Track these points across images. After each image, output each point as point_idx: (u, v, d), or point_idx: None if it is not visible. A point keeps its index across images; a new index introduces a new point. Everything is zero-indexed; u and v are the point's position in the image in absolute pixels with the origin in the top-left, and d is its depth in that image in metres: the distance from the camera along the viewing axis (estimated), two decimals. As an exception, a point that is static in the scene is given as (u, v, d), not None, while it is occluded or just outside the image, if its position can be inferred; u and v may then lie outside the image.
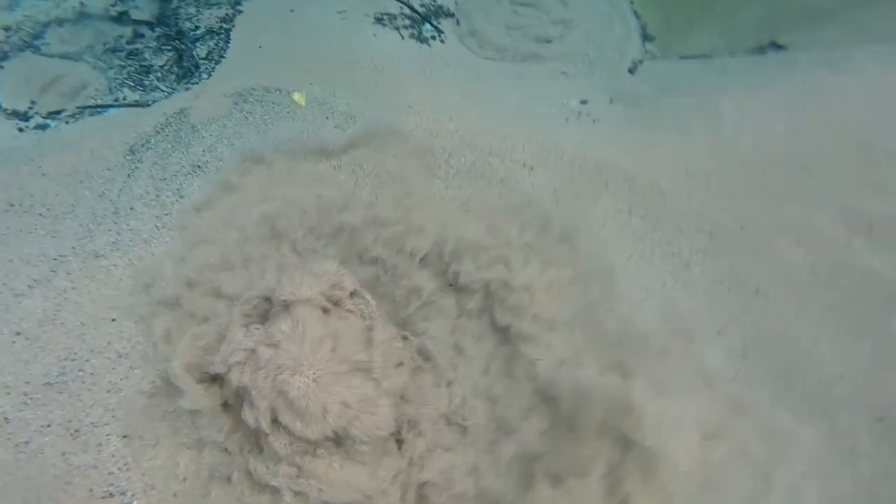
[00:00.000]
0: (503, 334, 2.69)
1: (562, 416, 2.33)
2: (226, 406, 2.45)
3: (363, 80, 3.78)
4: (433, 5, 4.37)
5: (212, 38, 4.07)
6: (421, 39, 4.15)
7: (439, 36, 4.20)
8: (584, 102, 3.86)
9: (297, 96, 3.45)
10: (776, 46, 3.98)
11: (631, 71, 4.10)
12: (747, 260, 3.17)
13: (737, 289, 3.09)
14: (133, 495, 2.34)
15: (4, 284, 2.77)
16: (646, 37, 4.37)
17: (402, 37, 4.14)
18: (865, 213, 3.05)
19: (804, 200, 3.15)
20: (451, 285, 2.81)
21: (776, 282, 3.05)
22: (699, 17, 4.46)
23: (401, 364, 2.46)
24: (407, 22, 4.22)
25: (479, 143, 3.46)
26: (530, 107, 3.79)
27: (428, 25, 4.24)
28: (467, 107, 3.65)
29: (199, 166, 3.40)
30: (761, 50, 4.00)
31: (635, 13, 4.53)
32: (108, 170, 3.40)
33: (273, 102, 3.75)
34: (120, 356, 2.65)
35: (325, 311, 2.42)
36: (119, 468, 2.39)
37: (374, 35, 4.16)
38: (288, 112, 3.69)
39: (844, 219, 3.13)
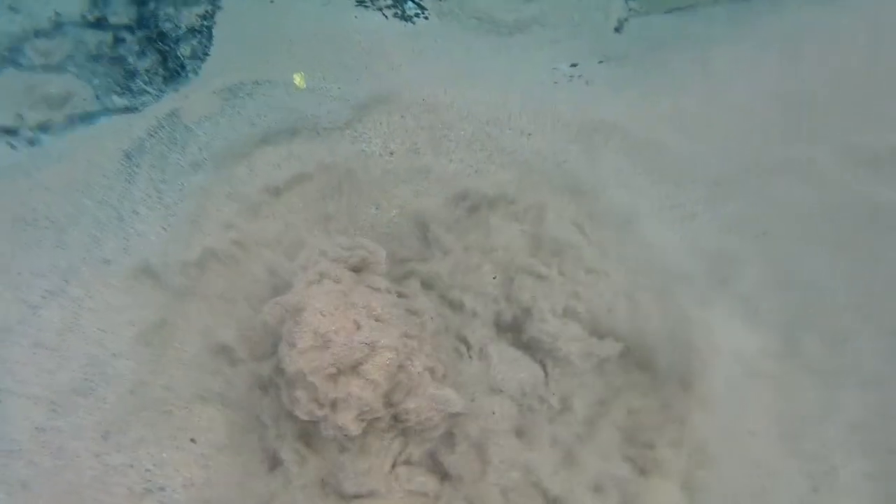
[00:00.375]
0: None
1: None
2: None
3: (353, 62, 3.75)
4: (414, -19, 4.32)
5: (194, 37, 4.01)
6: (405, 18, 4.11)
7: (423, 13, 4.15)
8: (574, 66, 3.85)
9: (297, 78, 3.43)
10: (760, -10, 3.96)
11: (617, 30, 4.07)
12: (752, 204, 3.19)
13: (744, 233, 3.12)
14: (173, 490, 2.36)
15: (19, 298, 2.76)
16: (628, -5, 4.34)
17: (386, 17, 4.09)
18: (869, 147, 3.08)
19: (805, 139, 3.16)
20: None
21: (783, 222, 3.08)
22: (680, -30, 4.43)
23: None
24: (389, 2, 4.18)
25: (476, 114, 3.45)
26: (522, 74, 3.78)
27: (410, 3, 4.19)
28: (460, 80, 3.64)
29: (198, 165, 3.38)
30: (745, -5, 3.99)
31: (616, -28, 4.49)
32: (106, 177, 3.37)
33: (264, 94, 3.72)
34: (141, 358, 2.65)
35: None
36: (155, 464, 2.41)
37: (356, 17, 4.12)
38: (279, 102, 3.67)
39: (848, 154, 3.15)
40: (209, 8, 4.14)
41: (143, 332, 2.70)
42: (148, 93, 3.82)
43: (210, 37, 4.01)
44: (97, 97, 3.79)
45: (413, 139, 3.37)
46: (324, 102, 3.58)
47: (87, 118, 3.70)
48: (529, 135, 3.41)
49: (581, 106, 3.55)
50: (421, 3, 4.21)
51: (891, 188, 3.11)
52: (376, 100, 3.46)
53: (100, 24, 4.04)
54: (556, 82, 3.79)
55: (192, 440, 2.48)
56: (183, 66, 3.90)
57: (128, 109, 3.75)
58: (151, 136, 3.54)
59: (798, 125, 3.17)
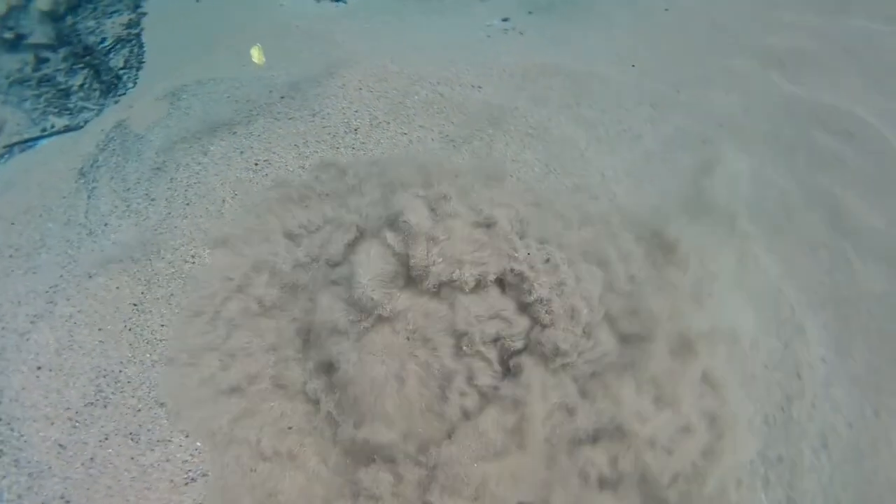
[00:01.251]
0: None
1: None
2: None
3: (294, 47, 3.78)
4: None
5: (124, 47, 3.91)
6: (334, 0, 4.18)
7: (351, -7, 4.24)
8: (506, 20, 4.05)
9: (255, 53, 3.43)
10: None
11: (539, -18, 4.32)
12: (689, 118, 3.52)
13: (686, 145, 3.43)
14: (215, 475, 2.39)
15: (5, 328, 2.66)
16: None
17: (317, 0, 4.15)
18: (774, 50, 3.46)
19: (723, 52, 3.51)
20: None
21: (718, 129, 3.43)
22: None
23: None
24: (322, -12, 4.22)
25: (426, 76, 3.58)
26: (459, 34, 3.95)
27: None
28: (404, 47, 3.76)
29: (158, 168, 3.33)
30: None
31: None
32: (65, 197, 3.27)
33: (210, 92, 3.69)
34: (148, 357, 2.64)
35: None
36: (191, 455, 2.43)
37: (283, 5, 4.16)
38: (228, 97, 3.66)
39: (759, 60, 3.53)
40: (133, 16, 4.05)
41: (142, 333, 2.69)
42: (88, 108, 3.70)
43: (141, 44, 3.93)
44: (33, 121, 3.64)
45: (372, 112, 3.46)
46: (275, 89, 3.60)
47: (27, 143, 3.55)
48: (480, 87, 3.58)
49: (521, 54, 3.76)
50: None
51: (795, 84, 3.55)
52: (328, 77, 3.52)
53: (17, 45, 3.85)
54: (490, 37, 3.99)
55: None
56: (118, 77, 3.80)
57: (69, 128, 3.63)
58: (102, 149, 3.45)
59: (715, 41, 3.52)
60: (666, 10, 3.61)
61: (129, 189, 3.24)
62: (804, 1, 3.93)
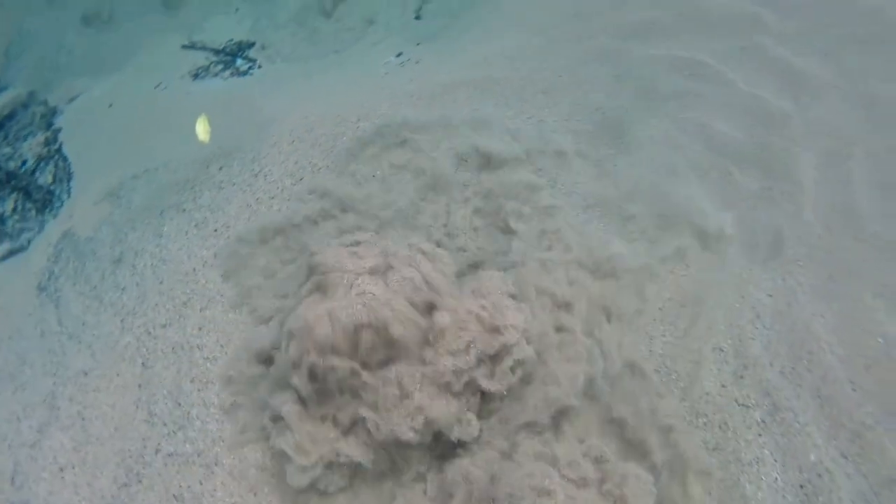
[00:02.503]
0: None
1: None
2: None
3: (218, 121, 4.05)
4: (231, 45, 4.73)
5: (48, 163, 4.01)
6: (241, 73, 4.50)
7: (254, 64, 4.59)
8: (399, 55, 4.56)
9: (200, 126, 3.65)
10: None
11: (418, 17, 4.89)
12: (577, 95, 4.12)
13: (580, 116, 4.01)
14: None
15: (13, 445, 2.66)
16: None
17: (223, 78, 4.45)
18: (630, 25, 4.19)
19: (590, 35, 4.19)
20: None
21: (604, 97, 4.04)
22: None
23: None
24: (220, 67, 4.54)
25: (346, 116, 3.97)
26: (363, 77, 4.39)
27: (239, 60, 4.60)
28: (317, 99, 4.13)
29: (118, 260, 3.44)
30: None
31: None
32: (31, 314, 3.30)
33: (146, 183, 3.86)
34: (165, 427, 2.73)
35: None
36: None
37: (189, 94, 4.44)
38: (166, 182, 3.84)
39: (620, 35, 4.24)
40: (48, 133, 4.16)
41: (155, 409, 2.77)
42: (27, 229, 3.75)
43: (64, 157, 4.05)
44: (-28, 254, 3.63)
45: (311, 160, 3.76)
46: (211, 163, 3.83)
47: (-25, 276, 3.53)
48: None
49: (422, 79, 4.25)
50: (248, 55, 4.64)
51: (653, 48, 4.28)
52: (259, 139, 3.80)
53: (-63, 188, 3.85)
54: (389, 73, 4.46)
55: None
56: (51, 193, 3.89)
57: (14, 251, 3.65)
58: (55, 261, 3.52)
59: (577, 27, 4.19)
60: (540, 13, 4.27)
61: (95, 287, 3.33)
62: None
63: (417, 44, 4.60)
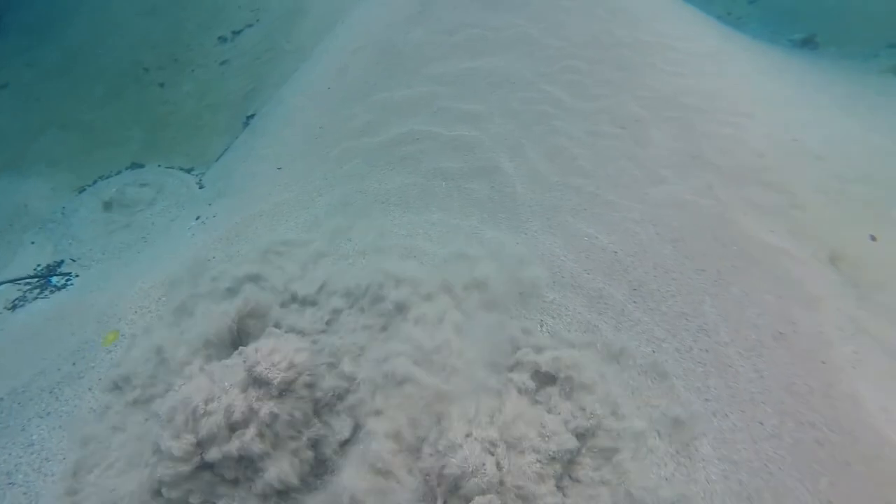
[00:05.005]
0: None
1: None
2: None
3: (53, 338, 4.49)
4: (40, 269, 5.22)
5: None
6: (60, 287, 5.01)
7: (70, 276, 5.13)
8: (198, 218, 5.52)
9: (109, 337, 4.04)
10: None
11: (200, 186, 5.96)
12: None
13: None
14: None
15: None
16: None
17: (45, 298, 4.91)
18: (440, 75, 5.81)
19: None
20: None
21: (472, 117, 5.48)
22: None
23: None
24: (36, 291, 4.99)
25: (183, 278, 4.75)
26: (176, 242, 5.24)
27: (53, 279, 5.10)
28: (150, 274, 4.85)
29: (30, 444, 3.65)
30: None
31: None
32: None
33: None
34: None
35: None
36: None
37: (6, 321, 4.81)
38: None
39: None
40: None
41: None
42: None
43: None
44: None
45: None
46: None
47: None
48: (212, 258, 4.92)
49: (223, 226, 5.26)
50: (60, 271, 5.17)
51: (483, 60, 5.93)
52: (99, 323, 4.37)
53: None
54: (195, 235, 5.39)
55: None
56: None
57: None
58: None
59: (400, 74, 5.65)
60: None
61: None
62: (477, 8, 6.33)
63: (209, 204, 5.63)
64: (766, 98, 4.89)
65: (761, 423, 2.99)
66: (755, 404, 3.07)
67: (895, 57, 6.57)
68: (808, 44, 7.65)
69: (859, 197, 3.62)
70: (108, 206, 5.80)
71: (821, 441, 2.80)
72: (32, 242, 5.56)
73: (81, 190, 6.19)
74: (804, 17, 8.34)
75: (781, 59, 6.54)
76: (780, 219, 3.63)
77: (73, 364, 4.23)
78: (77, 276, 5.20)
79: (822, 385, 2.96)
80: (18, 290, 5.05)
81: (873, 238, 3.38)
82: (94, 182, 6.27)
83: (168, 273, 4.66)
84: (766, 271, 3.49)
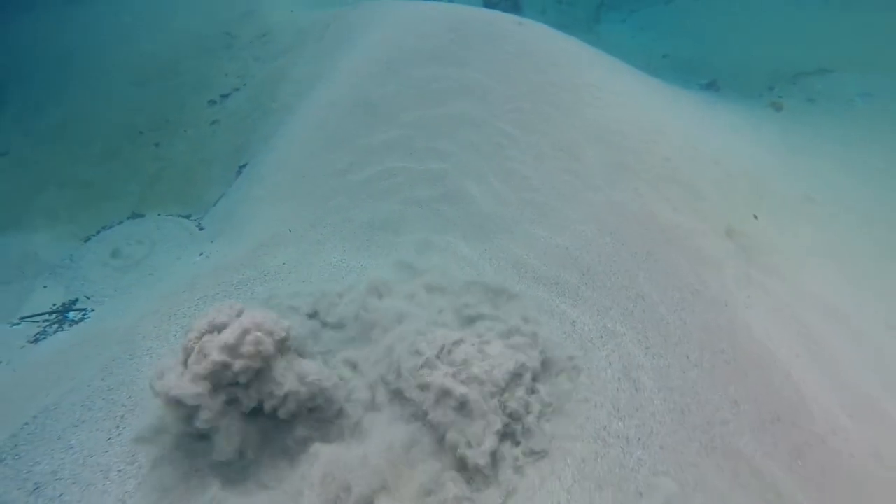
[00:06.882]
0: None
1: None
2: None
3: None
4: (57, 307, 5.69)
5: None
6: (77, 322, 5.50)
7: (87, 311, 5.62)
8: (202, 254, 6.17)
9: None
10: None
11: (201, 228, 6.63)
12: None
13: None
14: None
15: None
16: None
17: (65, 329, 5.39)
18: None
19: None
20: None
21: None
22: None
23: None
24: (55, 327, 5.46)
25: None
26: (182, 272, 5.85)
27: (70, 314, 5.58)
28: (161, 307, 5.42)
29: (70, 448, 4.06)
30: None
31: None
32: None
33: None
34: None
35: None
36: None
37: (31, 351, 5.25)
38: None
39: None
40: None
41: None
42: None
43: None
44: None
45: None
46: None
47: None
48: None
49: (223, 260, 5.93)
50: (76, 307, 5.67)
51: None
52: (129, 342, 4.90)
53: None
54: (197, 266, 6.03)
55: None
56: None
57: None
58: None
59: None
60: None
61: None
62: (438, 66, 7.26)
63: (211, 241, 6.30)
64: (674, 121, 6.11)
65: (687, 357, 3.84)
66: (682, 344, 3.93)
67: (773, 96, 8.41)
68: (711, 86, 9.28)
69: (744, 188, 4.67)
70: (115, 252, 6.38)
71: (727, 360, 3.67)
72: (45, 286, 6.04)
73: (87, 239, 6.74)
74: (707, 67, 10.06)
75: (688, 96, 7.96)
76: (687, 207, 4.65)
77: (103, 379, 4.72)
78: (93, 310, 5.70)
79: (727, 322, 3.87)
80: (38, 325, 5.51)
81: (755, 217, 4.39)
82: (98, 232, 6.84)
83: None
84: (680, 247, 4.46)
